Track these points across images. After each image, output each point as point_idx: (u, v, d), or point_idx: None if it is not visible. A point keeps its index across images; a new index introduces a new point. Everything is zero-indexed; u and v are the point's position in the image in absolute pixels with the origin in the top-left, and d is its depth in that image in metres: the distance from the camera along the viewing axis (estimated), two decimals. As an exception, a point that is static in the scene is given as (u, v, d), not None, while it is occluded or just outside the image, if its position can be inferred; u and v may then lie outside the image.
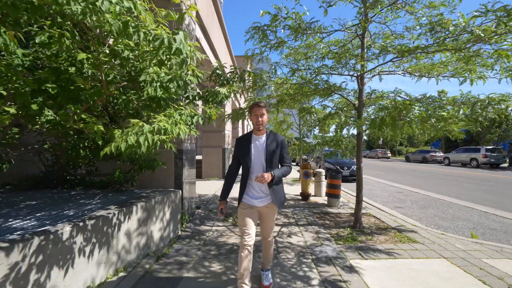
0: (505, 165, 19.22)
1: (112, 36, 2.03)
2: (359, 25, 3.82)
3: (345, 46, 4.30)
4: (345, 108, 4.99)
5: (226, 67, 3.77)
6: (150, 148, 1.92)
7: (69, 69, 2.48)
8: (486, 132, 24.31)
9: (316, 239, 3.61)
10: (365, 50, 4.03)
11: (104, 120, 3.09)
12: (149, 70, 2.37)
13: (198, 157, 9.94)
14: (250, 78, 3.91)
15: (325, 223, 4.40)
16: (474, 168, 17.25)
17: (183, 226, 3.95)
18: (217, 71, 3.58)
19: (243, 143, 2.19)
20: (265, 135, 2.18)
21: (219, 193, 3.21)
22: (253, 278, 2.39)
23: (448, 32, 3.12)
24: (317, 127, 6.29)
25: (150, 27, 1.97)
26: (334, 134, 4.00)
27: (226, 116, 4.89)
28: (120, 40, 2.12)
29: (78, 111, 2.25)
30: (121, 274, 2.51)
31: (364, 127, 3.69)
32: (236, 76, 3.61)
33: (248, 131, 2.24)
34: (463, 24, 2.91)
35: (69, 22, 2.00)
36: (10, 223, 2.15)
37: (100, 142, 2.21)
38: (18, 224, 2.12)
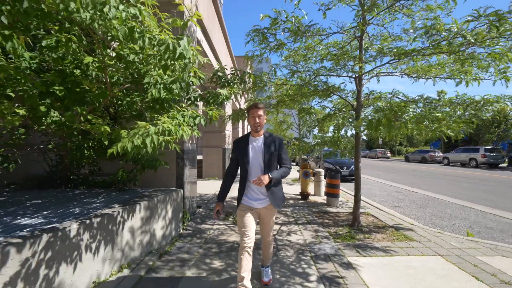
0: (504, 165, 19.33)
1: (117, 40, 2.10)
2: (357, 27, 3.89)
3: (343, 48, 4.37)
4: (343, 109, 5.06)
5: (226, 69, 3.85)
6: (155, 149, 1.99)
7: (75, 71, 2.55)
8: (485, 132, 24.42)
9: (315, 237, 3.69)
10: (363, 52, 4.10)
11: (106, 120, 3.16)
12: (153, 72, 2.44)
13: (199, 157, 10.03)
14: (250, 79, 3.98)
15: (324, 222, 4.47)
16: (473, 168, 17.33)
17: (185, 224, 4.03)
18: (218, 73, 3.66)
19: (241, 144, 2.18)
20: (263, 136, 2.17)
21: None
22: (253, 274, 2.46)
23: (442, 36, 3.19)
24: (316, 127, 6.36)
25: (155, 32, 2.04)
26: (333, 134, 4.07)
27: (227, 117, 4.96)
28: (125, 45, 2.19)
29: (84, 112, 2.33)
30: (125, 270, 2.58)
31: (361, 128, 3.76)
32: (237, 77, 3.68)
33: (248, 131, 2.30)
34: (456, 29, 2.98)
35: (76, 28, 2.08)
36: (18, 220, 2.23)
37: (106, 142, 2.28)
38: (26, 222, 2.19)
